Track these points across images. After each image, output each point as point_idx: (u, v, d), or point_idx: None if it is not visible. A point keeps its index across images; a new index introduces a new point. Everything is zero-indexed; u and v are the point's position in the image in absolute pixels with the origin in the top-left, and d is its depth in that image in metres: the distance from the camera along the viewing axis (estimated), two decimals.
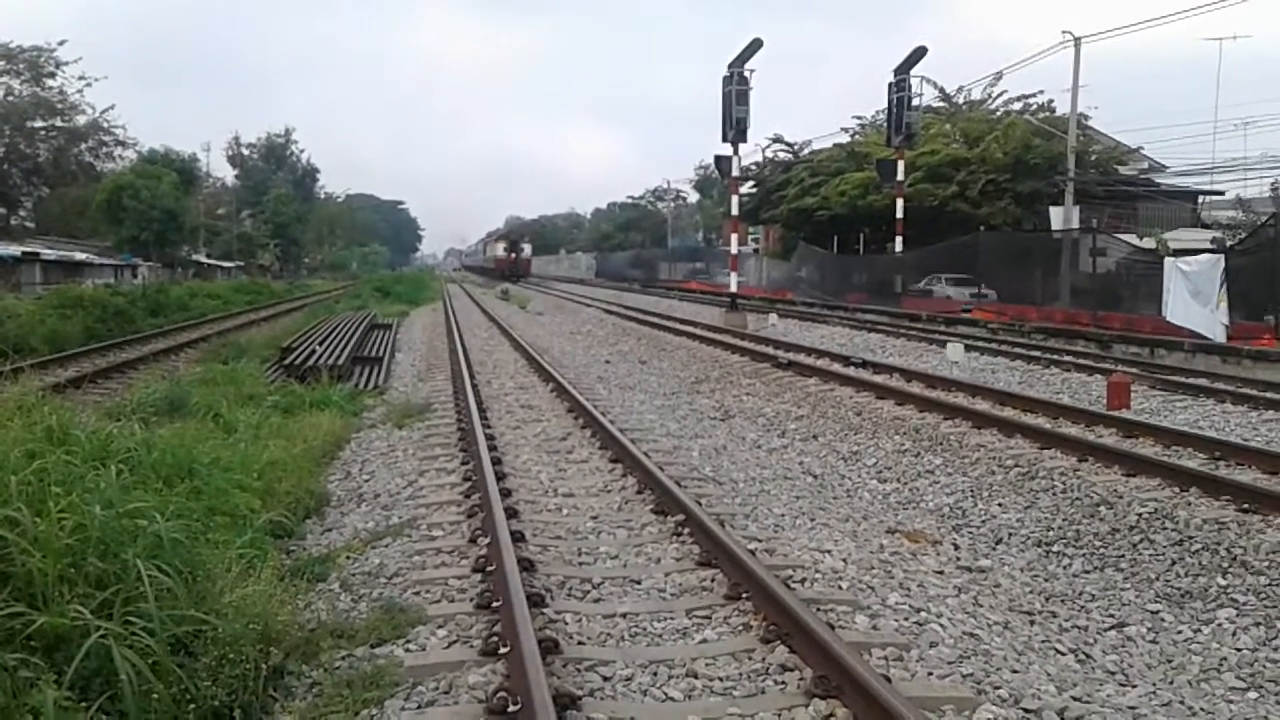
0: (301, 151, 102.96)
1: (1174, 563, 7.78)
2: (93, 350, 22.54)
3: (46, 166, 61.53)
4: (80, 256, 49.95)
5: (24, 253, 43.08)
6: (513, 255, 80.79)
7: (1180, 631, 6.76)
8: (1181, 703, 5.63)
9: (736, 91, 32.04)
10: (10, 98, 58.26)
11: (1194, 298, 23.12)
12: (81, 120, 61.58)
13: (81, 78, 58.95)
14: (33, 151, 60.33)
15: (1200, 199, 45.99)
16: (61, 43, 58.14)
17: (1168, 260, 25.23)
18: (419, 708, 4.65)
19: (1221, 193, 45.37)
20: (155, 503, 5.72)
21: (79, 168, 63.20)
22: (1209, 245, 30.12)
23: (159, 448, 7.62)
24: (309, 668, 5.12)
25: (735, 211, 36.34)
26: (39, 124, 59.85)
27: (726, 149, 33.26)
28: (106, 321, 27.78)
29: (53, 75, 58.57)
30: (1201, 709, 5.61)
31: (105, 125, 62.92)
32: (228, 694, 4.48)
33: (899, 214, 38.24)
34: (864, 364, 18.52)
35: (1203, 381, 15.93)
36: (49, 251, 47.01)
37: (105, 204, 55.32)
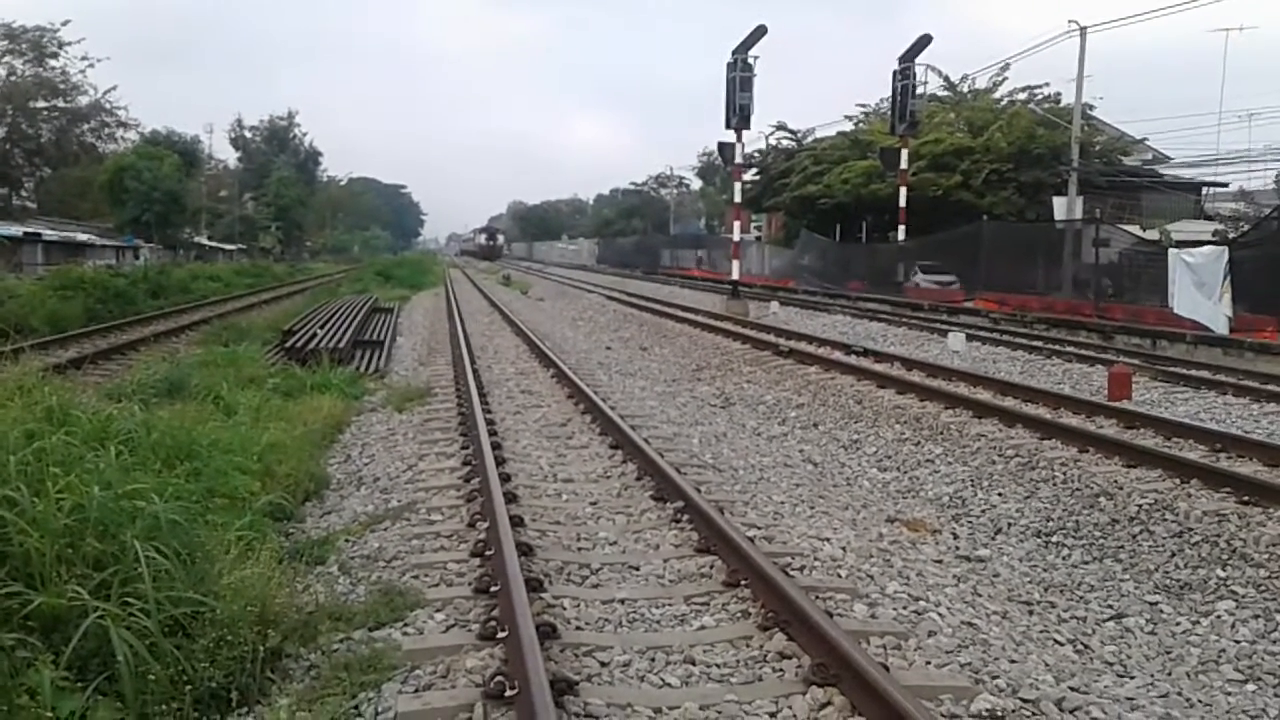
0: (304, 134, 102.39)
1: (1174, 554, 7.78)
2: (93, 331, 22.52)
3: (48, 147, 61.28)
4: (82, 237, 49.83)
5: (26, 233, 42.98)
6: (491, 242, 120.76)
7: (1179, 623, 6.76)
8: (1179, 694, 5.63)
9: (740, 78, 32.02)
10: (13, 78, 57.97)
11: (1199, 290, 23.08)
12: (84, 101, 61.26)
13: (84, 58, 58.67)
14: (35, 132, 60.04)
15: (1204, 191, 45.81)
16: (65, 23, 57.75)
17: (1171, 252, 25.17)
18: (416, 691, 4.64)
19: (1225, 185, 45.18)
20: (154, 484, 5.72)
21: (81, 148, 62.96)
22: (1212, 237, 30.05)
23: (159, 429, 7.62)
24: (307, 650, 5.11)
25: (738, 199, 36.31)
26: (41, 104, 59.53)
27: (730, 136, 33.28)
28: (107, 303, 27.70)
29: (55, 55, 58.26)
30: (1199, 700, 5.61)
31: (107, 106, 62.63)
32: (225, 675, 4.49)
33: (902, 202, 38.19)
34: (865, 352, 18.49)
35: (1205, 374, 15.90)
36: (50, 232, 46.92)
37: (107, 185, 55.19)
